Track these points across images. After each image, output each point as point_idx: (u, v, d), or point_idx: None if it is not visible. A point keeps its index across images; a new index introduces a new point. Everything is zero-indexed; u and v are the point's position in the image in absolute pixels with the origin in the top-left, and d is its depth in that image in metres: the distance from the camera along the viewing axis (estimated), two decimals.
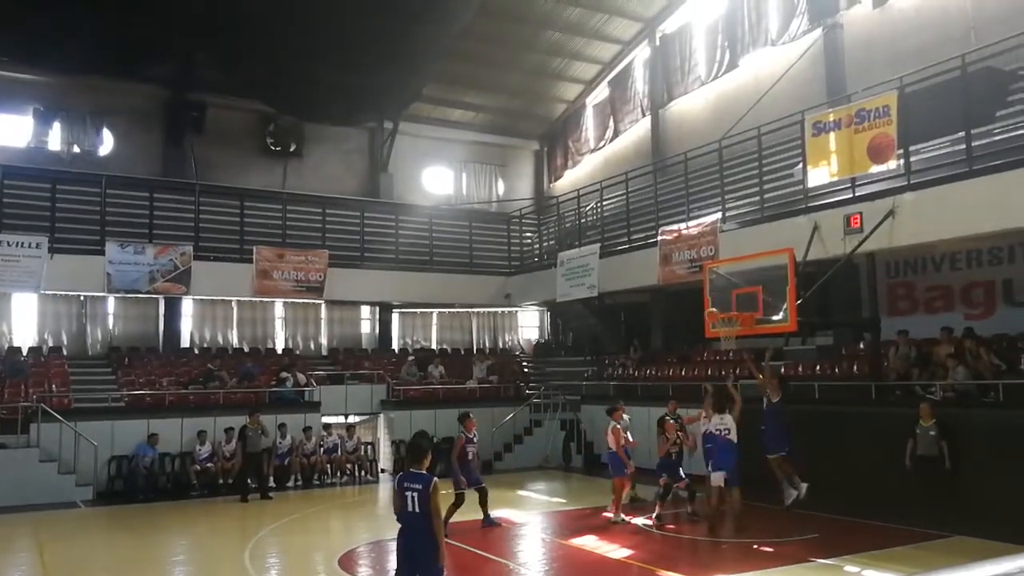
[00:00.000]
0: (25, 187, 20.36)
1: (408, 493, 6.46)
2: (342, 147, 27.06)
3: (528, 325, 29.67)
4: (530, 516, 14.33)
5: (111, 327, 22.50)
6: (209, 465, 17.92)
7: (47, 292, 20.52)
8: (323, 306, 24.98)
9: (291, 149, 25.95)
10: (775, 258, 13.31)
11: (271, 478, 17.92)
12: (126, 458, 17.47)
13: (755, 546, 11.17)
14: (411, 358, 23.83)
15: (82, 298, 21.82)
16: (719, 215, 17.59)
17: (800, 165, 15.97)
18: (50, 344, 21.56)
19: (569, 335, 28.21)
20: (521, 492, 17.07)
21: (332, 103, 23.67)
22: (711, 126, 21.94)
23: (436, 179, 29.27)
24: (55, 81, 22.39)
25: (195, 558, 12.13)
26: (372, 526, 14.48)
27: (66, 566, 11.17)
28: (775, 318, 12.80)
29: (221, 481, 17.91)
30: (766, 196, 16.80)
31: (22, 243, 19.38)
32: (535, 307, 28.22)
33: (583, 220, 23.61)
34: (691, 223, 18.24)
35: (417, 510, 6.40)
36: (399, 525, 6.63)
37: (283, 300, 23.78)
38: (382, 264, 23.64)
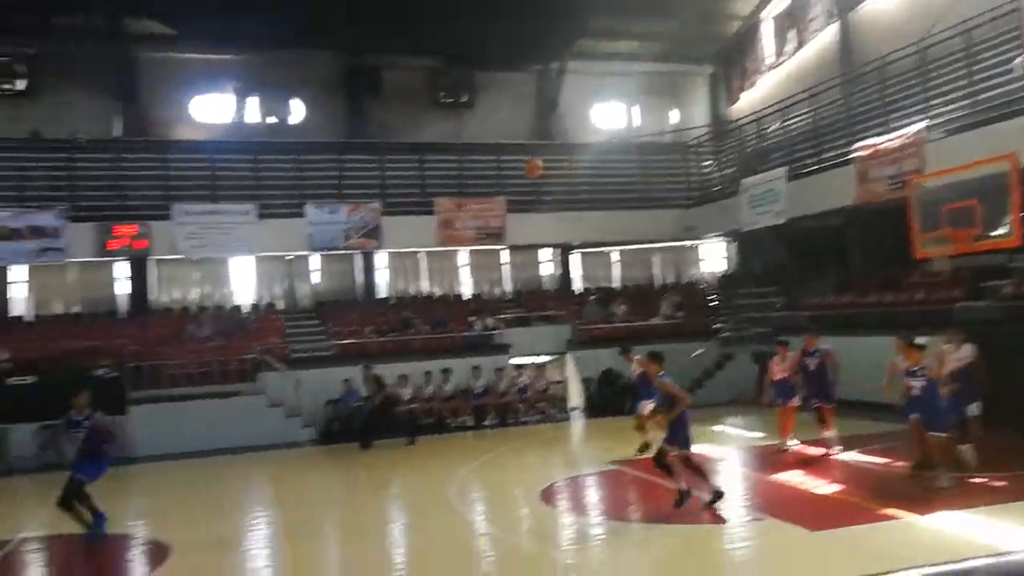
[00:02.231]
0: (232, 160, 22.35)
1: None
2: (512, 93, 27.20)
3: (713, 257, 28.79)
4: (727, 451, 14.10)
5: (316, 282, 24.30)
6: (412, 406, 19.09)
7: (259, 254, 22.54)
8: (504, 251, 25.55)
9: (463, 101, 26.49)
10: (993, 166, 12.00)
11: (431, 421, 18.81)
12: (339, 401, 18.97)
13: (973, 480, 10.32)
14: (593, 298, 23.91)
15: (289, 257, 23.69)
16: (923, 124, 16.02)
17: (1021, 58, 14.13)
18: (266, 300, 23.66)
19: (758, 265, 27.07)
20: (715, 427, 16.82)
21: (500, 50, 23.86)
22: (909, 26, 19.85)
23: (606, 116, 28.76)
24: (250, 59, 24.11)
25: (404, 492, 13.04)
26: (569, 461, 14.88)
27: (296, 497, 12.40)
28: (996, 233, 11.56)
29: (424, 420, 19.04)
30: (980, 98, 15.06)
31: (235, 211, 21.34)
32: (719, 238, 27.29)
33: (765, 143, 22.39)
34: (890, 136, 16.76)
35: None
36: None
37: (466, 248, 24.57)
38: (558, 206, 23.75)
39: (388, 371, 19.39)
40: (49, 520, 10.41)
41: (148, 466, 16.08)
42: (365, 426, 17.31)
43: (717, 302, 25.53)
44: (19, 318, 21.45)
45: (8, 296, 21.61)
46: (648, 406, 13.27)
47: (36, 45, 22.73)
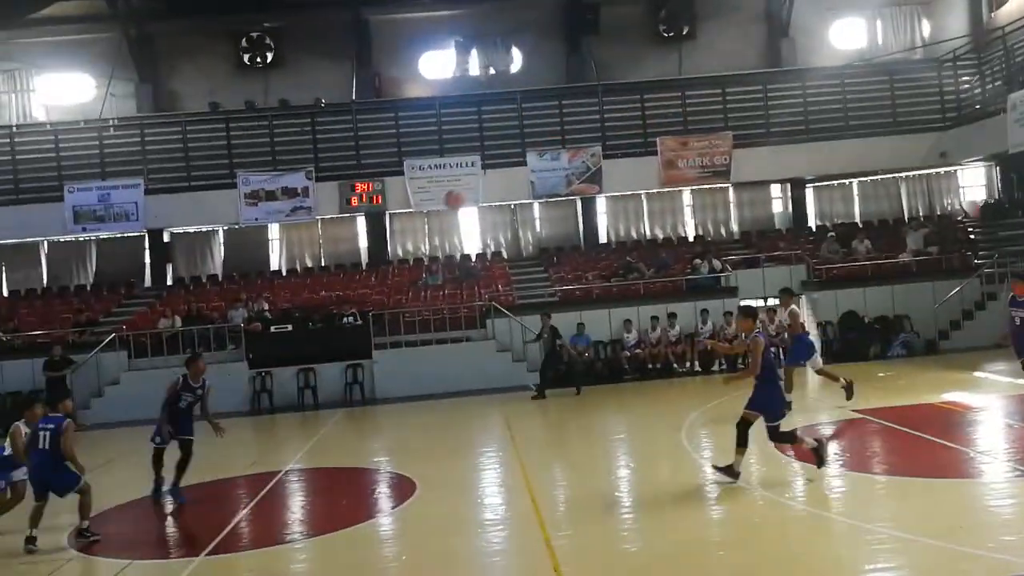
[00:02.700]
0: (457, 113, 23.01)
1: None
2: (736, 19, 25.44)
3: (972, 185, 25.46)
4: (988, 400, 12.44)
5: (539, 230, 24.58)
6: (638, 351, 18.82)
7: (484, 204, 23.17)
8: (731, 189, 24.26)
9: (684, 32, 25.22)
10: None
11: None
12: (564, 346, 19.12)
13: None
14: (831, 235, 22.07)
15: (512, 206, 24.13)
16: None
17: None
18: (492, 249, 24.34)
19: None
20: (976, 373, 14.93)
21: None
22: None
23: (845, 34, 26.03)
24: (469, 12, 24.55)
25: (634, 436, 12.87)
26: (804, 410, 13.91)
27: (528, 438, 12.67)
28: None
29: (650, 366, 18.74)
30: None
31: (461, 163, 22.05)
32: (980, 163, 24.04)
33: None
34: None
35: None
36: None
37: (690, 188, 23.61)
38: (790, 138, 22.13)
39: (613, 316, 19.30)
40: (307, 454, 11.41)
41: (388, 407, 17.25)
42: (542, 375, 17.16)
43: (977, 235, 22.62)
44: (277, 271, 23.82)
45: (267, 252, 24.07)
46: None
47: (280, 20, 24.65)
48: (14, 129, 23.14)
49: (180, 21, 24.32)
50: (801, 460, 9.34)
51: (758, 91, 22.70)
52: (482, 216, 24.40)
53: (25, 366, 18.28)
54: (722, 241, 23.83)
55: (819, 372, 13.10)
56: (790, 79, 23.34)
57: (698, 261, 20.73)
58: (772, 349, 10.27)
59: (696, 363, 18.85)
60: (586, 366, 18.71)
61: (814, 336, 19.80)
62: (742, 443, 8.66)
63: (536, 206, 24.19)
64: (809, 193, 24.91)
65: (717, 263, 20.55)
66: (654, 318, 18.95)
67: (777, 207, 25.05)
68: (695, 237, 24.20)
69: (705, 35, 25.34)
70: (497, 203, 23.48)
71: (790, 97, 22.76)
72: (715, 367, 18.78)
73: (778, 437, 8.90)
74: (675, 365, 18.81)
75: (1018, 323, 11.04)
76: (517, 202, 23.70)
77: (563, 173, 22.03)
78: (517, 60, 25.09)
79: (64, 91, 24.85)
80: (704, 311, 18.98)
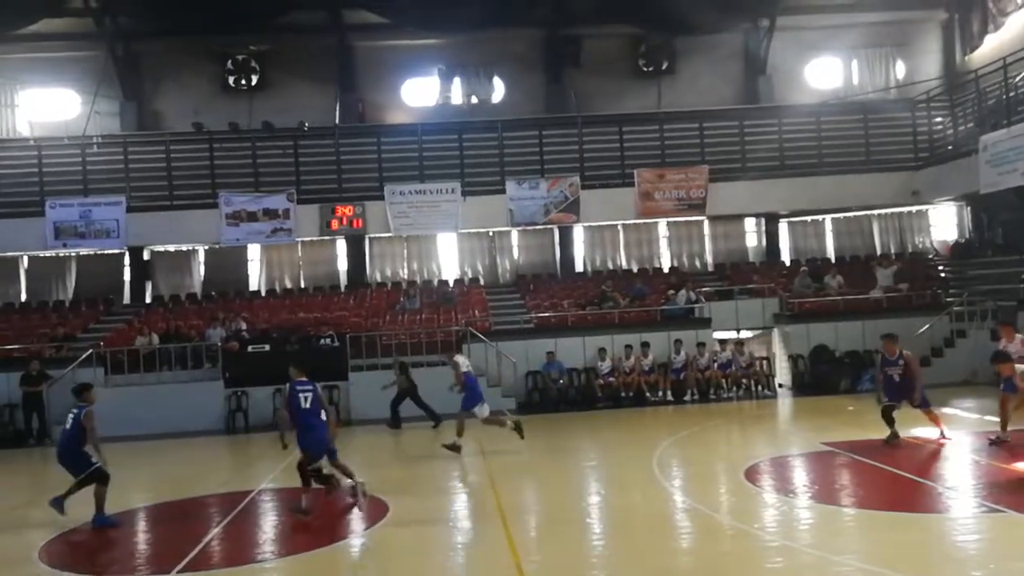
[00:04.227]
0: (438, 140, 23.29)
1: None
2: (715, 56, 26.06)
3: (943, 223, 26.08)
4: (956, 435, 12.76)
5: (516, 257, 24.84)
6: (611, 379, 19.03)
7: (463, 231, 23.40)
8: (706, 222, 24.69)
9: (663, 67, 25.78)
10: None
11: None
12: (538, 372, 19.33)
13: None
14: (804, 269, 22.51)
15: (491, 233, 24.38)
16: None
17: None
18: (469, 275, 24.55)
19: (998, 231, 24.14)
20: (946, 410, 15.26)
21: (703, 11, 22.87)
22: None
23: (821, 73, 26.73)
24: (453, 41, 24.93)
25: (606, 463, 13.03)
26: (774, 441, 14.17)
27: (502, 464, 12.78)
28: None
29: (623, 394, 18.95)
30: None
31: (441, 190, 22.29)
32: (951, 202, 24.65)
33: (1012, 94, 19.79)
34: None
35: None
36: None
37: (666, 219, 24.00)
38: (766, 173, 22.57)
39: (587, 344, 19.52)
40: (282, 473, 11.46)
41: (363, 428, 17.30)
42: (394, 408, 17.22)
43: (948, 273, 23.16)
44: (256, 292, 23.85)
45: (246, 272, 24.12)
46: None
47: (266, 43, 24.91)
48: None
49: (166, 41, 24.52)
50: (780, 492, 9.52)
51: (735, 127, 23.20)
52: (460, 242, 24.63)
53: (0, 379, 18.16)
54: (697, 272, 24.19)
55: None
56: (767, 115, 23.87)
57: (672, 292, 21.05)
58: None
59: (668, 392, 19.08)
60: (559, 393, 18.91)
61: (784, 368, 20.27)
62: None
63: (514, 233, 24.46)
64: (783, 227, 25.41)
65: (692, 294, 20.88)
66: (628, 347, 19.20)
67: (751, 240, 25.50)
68: (670, 268, 24.55)
69: (684, 70, 25.90)
70: (476, 229, 23.73)
71: (766, 133, 23.24)
72: (687, 397, 19.02)
73: None
74: (647, 394, 19.03)
75: (896, 379, 12.19)
76: (496, 229, 23.96)
77: (541, 202, 22.31)
78: (499, 90, 25.49)
79: (48, 107, 24.90)
80: (678, 341, 19.25)
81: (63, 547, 8.61)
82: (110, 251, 22.87)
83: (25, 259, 23.55)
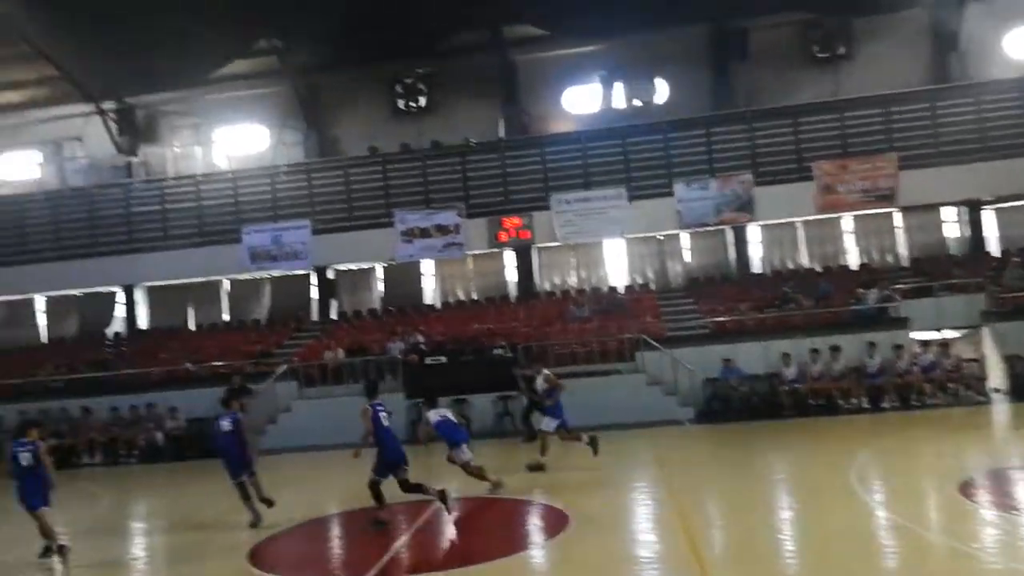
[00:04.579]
0: (602, 146, 23.16)
1: None
2: (898, 36, 24.10)
3: None
4: None
5: (687, 260, 24.08)
6: (797, 386, 17.92)
7: (630, 236, 23.03)
8: (897, 213, 22.81)
9: (840, 52, 24.20)
10: None
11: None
12: (717, 380, 18.53)
13: None
14: (1016, 259, 20.23)
15: (660, 237, 23.81)
16: None
17: None
18: (639, 281, 24.07)
19: None
20: None
21: None
22: None
23: (1022, 44, 24.03)
24: (615, 46, 24.66)
25: (798, 476, 12.18)
26: (991, 451, 12.71)
27: (682, 475, 12.29)
28: None
29: (811, 402, 17.78)
30: None
31: (606, 196, 22.11)
32: None
33: None
34: None
35: None
36: None
37: (851, 213, 22.42)
38: (963, 157, 20.61)
39: (768, 349, 18.53)
40: (463, 485, 11.59)
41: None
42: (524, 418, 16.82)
43: None
44: (431, 305, 24.62)
45: (421, 286, 24.98)
46: None
47: (432, 66, 25.78)
48: (199, 178, 25.43)
49: (342, 72, 25.97)
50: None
51: (925, 109, 21.45)
52: (629, 248, 24.23)
53: (208, 394, 19.76)
54: (889, 269, 22.40)
55: None
56: (962, 94, 21.88)
57: (862, 291, 19.55)
58: None
59: (863, 399, 17.69)
60: (741, 401, 18.04)
61: (999, 371, 18.25)
62: None
63: (684, 236, 23.75)
64: (989, 215, 23.02)
65: (884, 292, 19.30)
66: (814, 351, 18.00)
67: (951, 231, 23.30)
68: (859, 265, 22.88)
69: (864, 54, 24.19)
70: (644, 234, 23.27)
71: (963, 114, 21.32)
72: (885, 404, 17.55)
73: None
74: (840, 401, 17.74)
75: None
76: (664, 233, 23.39)
77: (712, 202, 21.59)
78: (662, 91, 24.92)
79: (241, 142, 27.09)
80: (871, 344, 17.82)
81: (269, 548, 9.09)
82: (298, 272, 24.45)
83: (226, 282, 25.64)
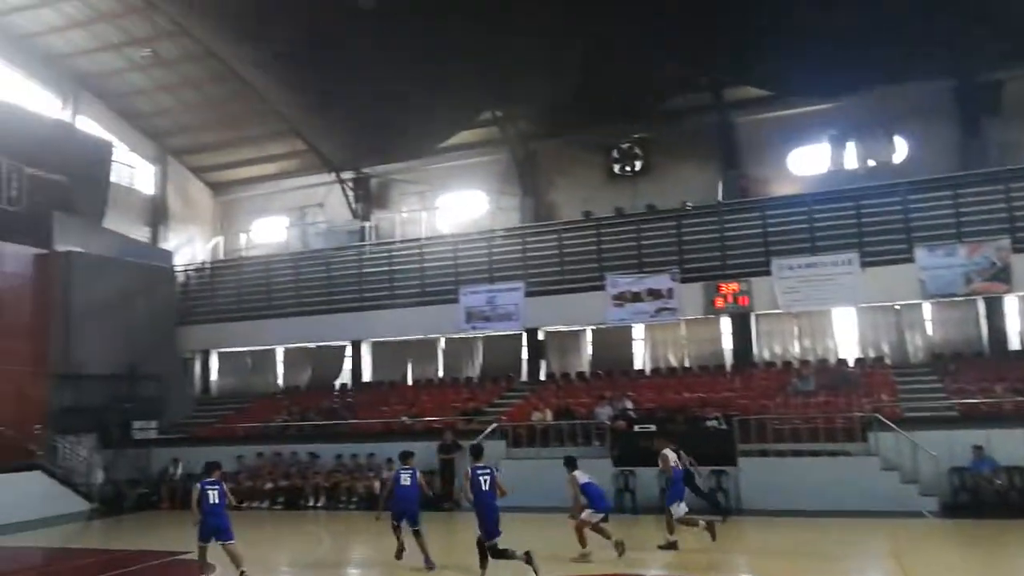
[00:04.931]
0: (831, 209, 21.79)
1: None
2: None
3: None
4: None
5: (930, 333, 21.69)
6: None
7: (863, 304, 21.19)
8: None
9: None
10: None
11: None
12: (966, 470, 16.27)
13: None
14: None
15: (897, 307, 21.71)
16: None
17: None
18: (872, 354, 21.98)
19: None
20: None
21: None
22: None
23: None
24: (845, 105, 23.18)
25: None
26: None
27: (924, 569, 10.71)
28: None
29: None
30: None
31: (835, 261, 20.65)
32: None
33: None
34: None
35: None
36: None
37: None
38: None
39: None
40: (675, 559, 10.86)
41: (752, 520, 15.98)
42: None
43: None
44: (640, 371, 24.01)
45: (631, 351, 24.48)
46: None
47: (649, 130, 25.73)
48: (423, 241, 26.94)
49: (559, 139, 26.61)
50: None
51: None
52: (860, 317, 22.27)
53: (423, 448, 20.36)
54: None
55: None
56: None
57: None
58: None
59: None
60: (996, 495, 15.67)
61: None
62: None
63: (927, 307, 21.46)
64: None
65: None
66: None
67: None
68: None
69: None
70: (879, 303, 21.33)
71: None
72: None
73: None
74: None
75: None
76: (903, 303, 21.29)
77: (960, 270, 19.46)
78: (900, 149, 23.03)
79: (461, 207, 28.44)
80: None
81: None
82: (510, 332, 24.94)
83: (442, 340, 26.68)
